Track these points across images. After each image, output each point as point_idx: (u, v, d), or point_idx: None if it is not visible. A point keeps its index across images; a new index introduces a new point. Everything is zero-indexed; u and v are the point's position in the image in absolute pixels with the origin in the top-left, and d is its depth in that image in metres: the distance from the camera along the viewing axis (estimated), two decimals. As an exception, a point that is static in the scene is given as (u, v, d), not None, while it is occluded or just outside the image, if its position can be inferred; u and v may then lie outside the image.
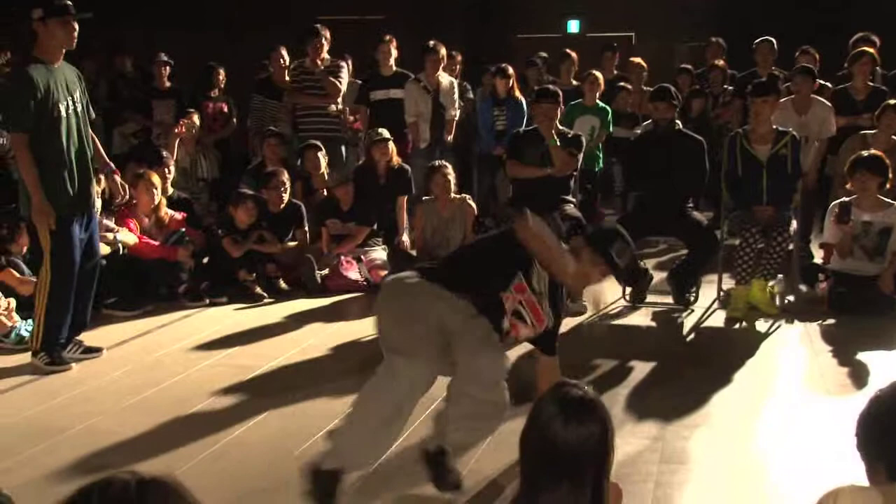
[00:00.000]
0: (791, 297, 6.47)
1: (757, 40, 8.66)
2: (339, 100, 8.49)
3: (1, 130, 7.37)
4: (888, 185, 6.31)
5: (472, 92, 9.71)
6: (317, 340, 5.74)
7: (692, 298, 6.48)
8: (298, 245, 7.38)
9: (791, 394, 4.74)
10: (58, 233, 4.97)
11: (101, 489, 1.43)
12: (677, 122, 6.70)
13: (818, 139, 7.38)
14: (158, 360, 5.37)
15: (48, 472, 3.73)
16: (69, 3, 4.93)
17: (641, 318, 6.28)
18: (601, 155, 9.12)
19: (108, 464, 3.67)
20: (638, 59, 10.16)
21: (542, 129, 6.56)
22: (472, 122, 9.15)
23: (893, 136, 6.89)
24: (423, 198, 7.41)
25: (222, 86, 9.18)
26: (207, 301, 6.69)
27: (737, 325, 6.04)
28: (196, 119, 8.41)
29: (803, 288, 6.63)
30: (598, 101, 8.96)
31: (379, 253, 7.38)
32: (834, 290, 6.27)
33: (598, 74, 9.06)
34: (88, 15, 4.98)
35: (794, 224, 6.30)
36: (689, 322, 6.17)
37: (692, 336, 5.94)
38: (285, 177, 7.35)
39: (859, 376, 4.96)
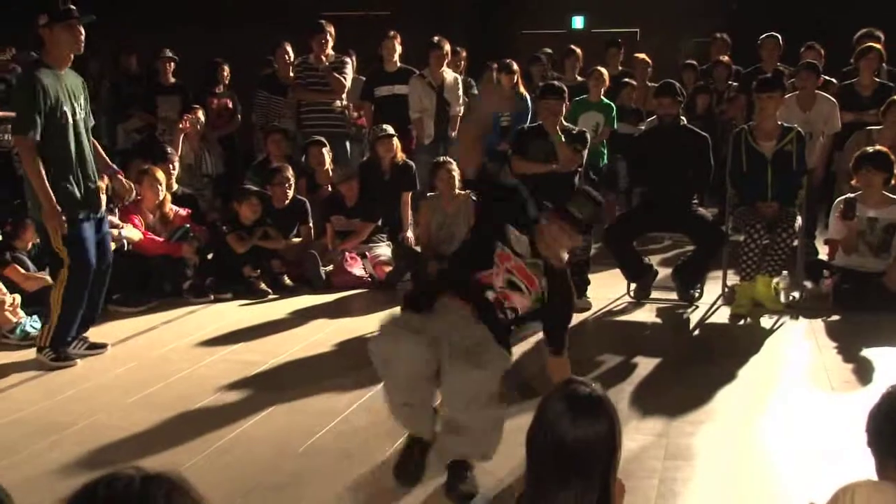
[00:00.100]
0: (796, 294, 6.46)
1: (762, 36, 8.64)
2: (344, 96, 8.49)
3: (6, 126, 7.40)
4: (893, 181, 6.30)
5: (476, 88, 9.69)
6: (321, 336, 5.74)
7: (697, 295, 6.47)
8: (303, 241, 7.38)
9: (795, 390, 4.73)
10: (71, 237, 4.98)
11: (106, 485, 1.43)
12: (682, 117, 6.69)
13: (823, 135, 7.37)
14: (163, 356, 5.38)
15: (53, 468, 3.74)
16: (73, 7, 4.94)
17: (646, 314, 6.28)
18: (605, 151, 9.12)
19: (113, 460, 3.68)
20: (642, 55, 10.15)
21: (547, 125, 6.55)
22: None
23: (899, 132, 6.88)
24: (428, 194, 7.42)
25: (227, 82, 9.18)
26: (212, 297, 6.70)
27: (741, 322, 6.03)
28: (201, 115, 8.42)
29: (808, 284, 6.62)
30: (602, 97, 8.95)
31: (383, 249, 7.38)
32: (839, 286, 6.26)
33: (603, 71, 9.05)
34: (92, 17, 4.99)
35: (798, 220, 6.29)
36: (693, 318, 6.17)
37: (697, 332, 5.94)
38: (290, 173, 7.36)
39: (864, 372, 4.95)
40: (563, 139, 6.51)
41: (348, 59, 8.54)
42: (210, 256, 7.10)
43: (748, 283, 6.18)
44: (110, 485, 1.43)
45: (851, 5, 10.50)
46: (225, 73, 9.13)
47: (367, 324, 5.97)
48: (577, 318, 6.05)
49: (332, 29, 8.34)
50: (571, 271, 6.27)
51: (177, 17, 12.51)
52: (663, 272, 6.74)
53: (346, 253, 7.21)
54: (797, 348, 5.48)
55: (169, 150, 7.56)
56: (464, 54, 9.65)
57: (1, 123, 7.53)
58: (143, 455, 3.79)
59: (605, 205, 8.99)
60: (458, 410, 3.34)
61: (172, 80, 9.17)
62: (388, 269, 7.12)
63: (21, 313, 5.68)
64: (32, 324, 5.59)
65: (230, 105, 9.14)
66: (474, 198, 3.82)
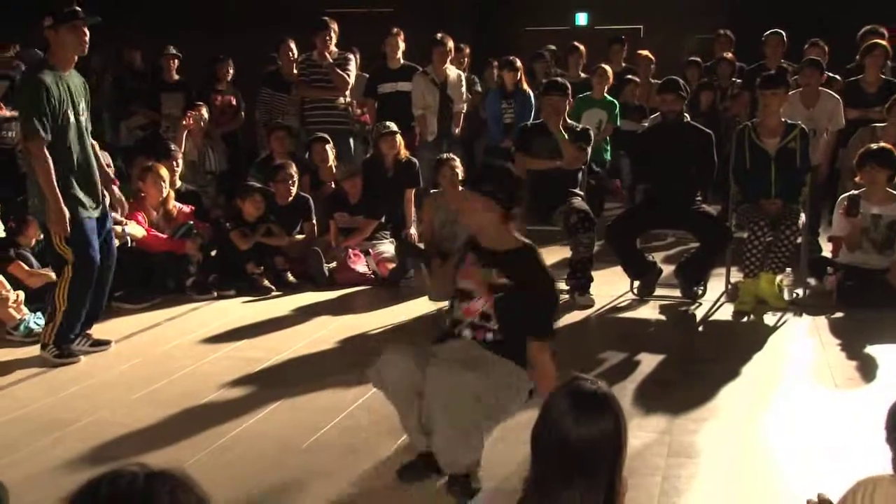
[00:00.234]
0: (799, 291, 6.46)
1: (766, 33, 8.62)
2: (347, 93, 8.49)
3: (10, 124, 7.40)
4: (897, 178, 6.29)
5: (478, 85, 9.70)
6: (325, 333, 5.74)
7: (700, 292, 6.47)
8: (306, 238, 7.38)
9: (799, 387, 4.73)
10: (75, 236, 4.99)
11: (110, 482, 1.44)
12: (685, 114, 6.68)
13: (827, 132, 7.36)
14: (166, 352, 5.39)
15: (56, 465, 3.74)
16: (78, 8, 4.94)
17: (649, 311, 6.27)
18: (609, 148, 9.13)
19: (116, 456, 3.68)
20: (645, 52, 10.14)
21: (550, 124, 6.54)
22: (480, 115, 9.15)
23: (903, 129, 6.86)
24: (431, 190, 7.41)
25: (230, 79, 9.19)
26: (215, 294, 6.71)
27: (745, 319, 6.02)
28: (204, 112, 8.43)
29: (811, 281, 6.61)
30: (605, 94, 8.94)
31: (387, 246, 7.38)
32: (842, 283, 6.25)
33: (607, 68, 9.05)
34: (97, 19, 4.99)
35: (802, 217, 6.28)
36: (697, 315, 6.16)
37: (700, 329, 5.93)
38: (293, 169, 7.36)
39: (867, 369, 4.95)
40: (567, 137, 6.50)
41: (351, 56, 8.54)
42: (213, 253, 7.10)
43: (752, 281, 6.17)
44: (114, 482, 1.43)
45: (854, 2, 10.49)
46: (228, 70, 9.13)
47: (371, 321, 5.99)
48: (580, 315, 6.08)
49: (335, 26, 8.33)
50: (574, 269, 6.35)
51: (181, 16, 12.51)
52: (667, 269, 6.74)
53: (350, 250, 7.21)
54: (800, 345, 5.48)
55: (172, 146, 7.56)
56: (467, 51, 9.65)
57: (4, 122, 7.54)
58: (147, 452, 3.80)
59: (612, 187, 9.05)
60: (432, 410, 3.32)
61: (176, 76, 9.18)
62: (392, 265, 7.12)
63: (25, 310, 5.69)
64: (36, 320, 5.60)
65: (234, 102, 9.15)
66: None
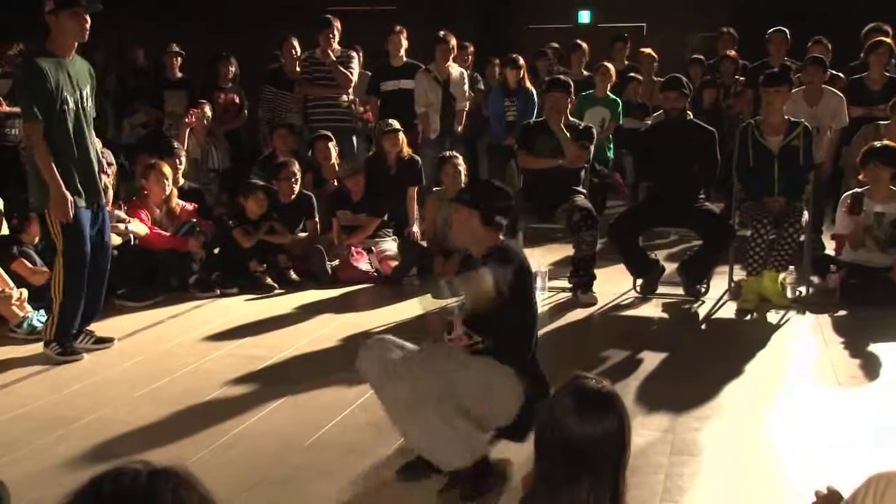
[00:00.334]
0: (802, 289, 6.45)
1: (770, 30, 8.61)
2: (350, 90, 8.49)
3: (13, 122, 7.40)
4: (901, 176, 6.28)
5: (481, 83, 9.69)
6: (327, 331, 5.75)
7: (703, 290, 6.46)
8: (309, 236, 7.39)
9: (802, 385, 4.72)
10: (68, 226, 4.98)
11: (112, 479, 1.43)
12: (688, 112, 6.67)
13: (830, 130, 7.35)
14: (169, 350, 5.39)
15: (59, 462, 3.75)
16: None
17: (652, 309, 6.27)
18: (612, 146, 9.12)
19: (119, 453, 3.68)
20: (648, 50, 10.13)
21: (551, 121, 6.53)
22: (483, 113, 9.15)
23: (907, 127, 6.85)
24: (434, 188, 7.41)
25: (234, 76, 9.19)
26: (218, 292, 6.71)
27: (748, 317, 6.02)
28: (207, 110, 8.43)
29: (815, 279, 6.61)
30: (608, 92, 8.93)
31: (389, 244, 7.38)
32: (845, 281, 6.24)
33: (610, 66, 9.04)
34: (99, 7, 4.98)
35: (805, 215, 6.27)
36: (700, 313, 6.16)
37: (703, 327, 5.93)
38: (296, 167, 7.36)
39: (870, 367, 4.94)
40: (569, 135, 6.50)
41: (354, 54, 8.53)
42: (216, 251, 7.10)
43: (755, 279, 6.17)
44: (116, 479, 1.43)
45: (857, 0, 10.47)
46: (231, 68, 9.13)
47: (373, 318, 5.99)
48: (583, 313, 6.08)
49: (338, 23, 8.33)
50: (577, 267, 6.35)
51: (184, 13, 12.52)
52: (669, 267, 6.73)
53: (352, 248, 7.21)
54: (803, 343, 5.47)
55: (176, 144, 7.57)
56: (471, 49, 9.65)
57: (7, 119, 7.55)
58: (150, 449, 3.80)
59: (614, 183, 9.06)
60: (396, 410, 3.43)
61: (179, 74, 9.18)
62: (394, 263, 7.12)
63: (28, 308, 5.70)
64: (39, 318, 5.60)
65: (237, 100, 9.15)
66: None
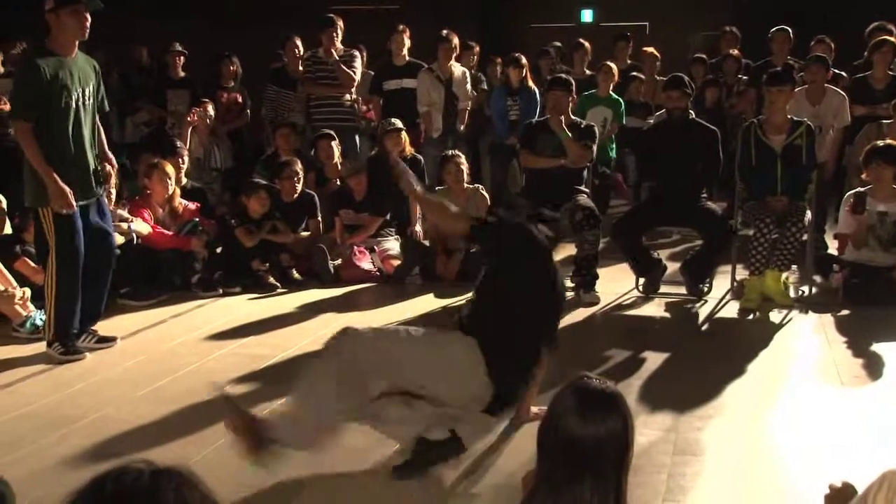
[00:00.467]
0: (805, 288, 6.44)
1: (773, 29, 8.60)
2: (353, 89, 8.49)
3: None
4: (904, 175, 6.26)
5: (485, 83, 9.69)
6: (330, 330, 5.65)
7: (706, 289, 6.46)
8: (311, 235, 7.39)
9: (805, 385, 4.72)
10: (59, 222, 4.98)
11: (115, 478, 1.43)
12: (690, 111, 6.67)
13: (833, 129, 7.34)
14: (172, 349, 5.39)
15: (62, 461, 3.75)
16: None
17: (655, 308, 6.26)
18: (614, 146, 9.11)
19: (122, 453, 3.68)
20: (651, 49, 10.13)
21: (552, 120, 6.53)
22: (485, 113, 9.15)
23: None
24: (436, 188, 7.41)
25: (236, 76, 9.19)
26: (221, 291, 6.71)
27: (750, 316, 6.01)
28: (210, 109, 8.43)
29: (817, 278, 6.60)
30: (611, 92, 8.93)
31: (392, 243, 7.38)
32: (848, 280, 6.24)
33: (612, 66, 9.04)
34: (99, 5, 4.98)
35: (808, 214, 6.26)
36: (702, 313, 6.15)
37: (705, 327, 5.92)
38: (299, 167, 7.36)
39: (873, 367, 4.93)
40: (571, 134, 6.50)
41: (357, 53, 8.54)
42: (219, 250, 7.11)
43: (757, 278, 6.16)
44: (119, 479, 1.43)
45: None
46: (233, 67, 9.13)
47: (376, 318, 5.98)
48: (585, 313, 6.08)
49: (341, 23, 8.33)
50: (579, 266, 6.35)
51: (186, 11, 12.52)
52: (672, 266, 6.73)
53: (355, 247, 7.21)
54: (806, 343, 5.47)
55: (178, 143, 7.57)
56: (477, 49, 9.64)
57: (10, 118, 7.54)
58: (152, 448, 3.80)
59: (616, 182, 9.08)
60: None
61: (182, 73, 9.18)
62: (397, 263, 7.12)
63: (31, 307, 5.70)
64: (42, 317, 5.59)
65: (240, 99, 9.15)
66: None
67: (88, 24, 4.95)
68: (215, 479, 1.78)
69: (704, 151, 6.34)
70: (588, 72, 9.43)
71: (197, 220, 6.98)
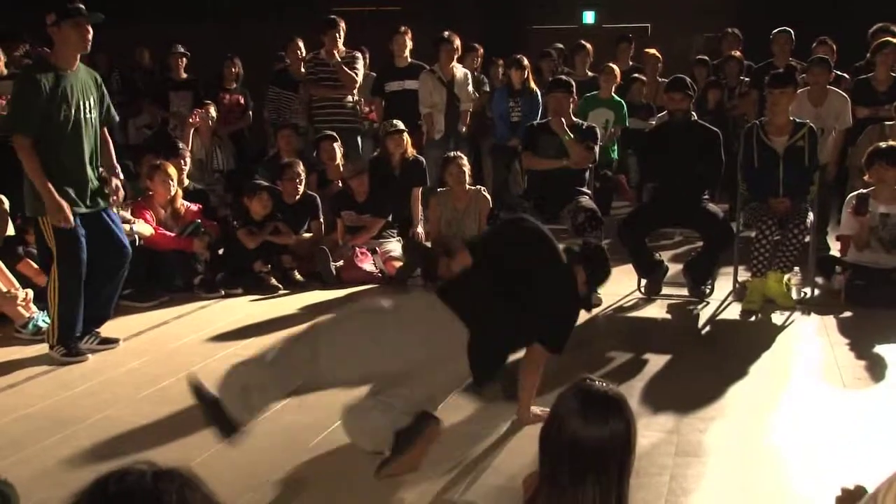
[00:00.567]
0: (807, 290, 6.44)
1: (774, 31, 8.60)
2: (355, 91, 8.50)
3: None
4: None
5: (487, 85, 9.69)
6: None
7: (708, 291, 6.46)
8: (313, 236, 7.39)
9: (807, 386, 4.72)
10: (61, 233, 4.98)
11: (118, 480, 1.44)
12: (692, 113, 6.67)
13: (835, 131, 7.34)
14: (174, 350, 5.40)
15: (64, 463, 3.75)
16: (81, 5, 4.94)
17: (656, 310, 6.26)
18: (615, 148, 9.11)
19: (124, 454, 3.69)
20: (652, 50, 10.12)
21: (554, 122, 6.54)
22: (487, 115, 9.15)
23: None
24: (438, 189, 7.41)
25: (238, 77, 9.20)
26: (223, 292, 6.72)
27: (753, 318, 6.01)
28: (212, 110, 8.44)
29: (820, 280, 6.60)
30: (613, 94, 8.92)
31: (394, 244, 7.38)
32: (851, 282, 6.23)
33: (615, 68, 9.03)
34: (101, 17, 4.99)
35: (810, 216, 6.26)
36: (704, 314, 6.14)
37: (707, 329, 5.92)
38: (301, 168, 7.37)
39: (876, 369, 4.93)
40: (572, 136, 6.50)
41: (359, 55, 8.54)
42: (221, 252, 7.11)
43: (759, 279, 6.16)
44: (121, 480, 1.44)
45: (862, 0, 10.46)
46: (235, 69, 9.14)
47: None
48: (587, 314, 6.05)
49: (343, 24, 8.34)
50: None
51: (189, 13, 12.54)
52: (674, 268, 6.72)
53: (357, 248, 7.21)
54: (809, 345, 5.46)
55: (180, 145, 7.58)
56: (481, 52, 9.64)
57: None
58: (154, 450, 3.80)
59: (618, 183, 9.11)
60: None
61: (184, 75, 9.19)
62: (399, 264, 7.12)
63: (34, 308, 5.71)
64: (45, 319, 5.60)
65: (242, 101, 9.16)
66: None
67: (91, 36, 4.96)
68: (217, 480, 1.79)
69: (706, 153, 6.34)
70: (590, 73, 9.43)
71: (199, 221, 6.98)
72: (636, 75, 9.58)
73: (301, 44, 8.95)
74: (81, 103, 4.99)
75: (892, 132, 6.90)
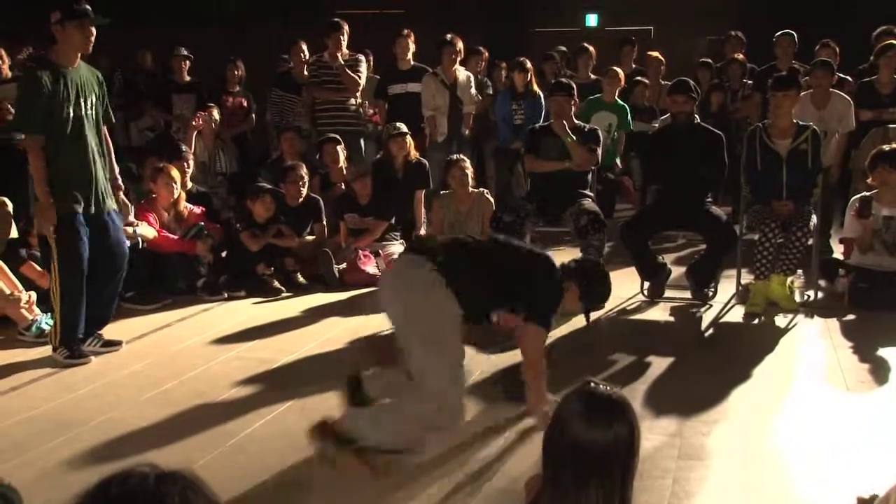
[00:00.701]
0: (811, 293, 6.43)
1: (777, 33, 8.60)
2: (359, 94, 8.50)
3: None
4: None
5: (490, 88, 9.70)
6: (335, 334, 5.75)
7: (711, 293, 6.45)
8: (316, 239, 7.39)
9: (810, 389, 4.71)
10: (62, 230, 5.00)
11: (120, 482, 1.44)
12: (695, 115, 6.66)
13: (837, 134, 7.33)
14: (177, 353, 5.40)
15: (67, 465, 3.76)
16: (87, 7, 4.96)
17: (659, 313, 6.26)
18: (618, 150, 9.11)
19: (127, 456, 3.69)
20: (655, 53, 10.12)
21: (556, 125, 6.54)
22: (491, 117, 9.15)
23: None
24: (441, 192, 7.41)
25: (241, 80, 9.21)
26: (226, 295, 6.72)
27: (756, 321, 6.00)
28: (215, 113, 8.45)
29: (823, 283, 6.59)
30: (616, 98, 8.92)
31: (396, 247, 7.38)
32: (854, 285, 6.23)
33: (619, 71, 9.02)
34: (106, 20, 5.00)
35: (814, 219, 6.25)
36: (707, 317, 6.14)
37: (711, 331, 5.91)
38: (304, 171, 7.37)
39: (879, 372, 4.92)
40: (574, 138, 6.50)
41: (362, 57, 8.55)
42: (224, 254, 7.11)
43: (763, 282, 6.15)
44: (124, 482, 1.44)
45: (866, 2, 10.45)
46: (238, 71, 9.15)
47: (381, 322, 5.97)
48: (590, 316, 6.05)
49: (347, 27, 8.35)
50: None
51: (194, 17, 12.56)
52: (677, 271, 6.72)
53: (360, 251, 7.21)
54: (812, 348, 5.45)
55: (183, 148, 7.59)
56: (485, 55, 9.64)
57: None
58: (157, 452, 3.80)
59: (622, 186, 9.14)
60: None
61: (188, 78, 9.20)
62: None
63: (37, 310, 5.71)
64: (48, 321, 5.61)
65: (245, 104, 9.17)
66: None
67: (93, 38, 4.98)
68: (220, 483, 1.79)
69: (709, 156, 6.34)
70: (593, 76, 9.43)
71: (202, 224, 6.99)
72: (639, 78, 9.58)
73: (304, 47, 8.96)
74: (83, 100, 5.01)
75: (895, 135, 6.89)
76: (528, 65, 8.68)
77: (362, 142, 8.68)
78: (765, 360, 5.17)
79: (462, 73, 8.49)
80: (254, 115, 9.29)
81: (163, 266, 6.69)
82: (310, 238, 7.39)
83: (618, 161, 9.13)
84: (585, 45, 9.78)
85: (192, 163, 7.59)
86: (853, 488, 2.32)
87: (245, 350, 5.44)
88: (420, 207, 7.74)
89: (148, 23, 12.27)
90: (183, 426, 4.19)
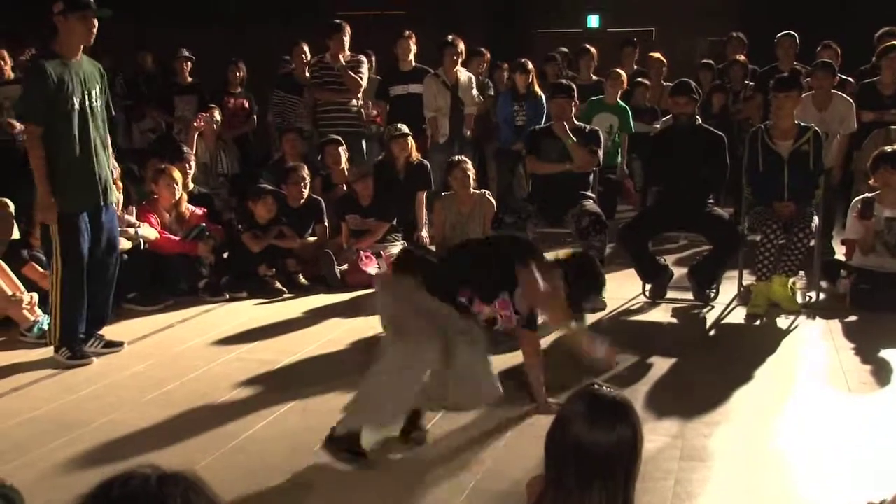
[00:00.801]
0: (812, 294, 6.43)
1: (779, 34, 8.59)
2: (360, 95, 8.51)
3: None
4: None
5: (492, 89, 9.69)
6: (336, 335, 5.75)
7: (712, 295, 6.44)
8: (318, 240, 7.39)
9: (812, 391, 4.71)
10: (64, 227, 5.01)
11: (122, 483, 1.44)
12: (697, 116, 6.66)
13: (839, 135, 7.32)
14: (179, 354, 5.40)
15: (68, 466, 3.76)
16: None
17: (661, 314, 6.25)
18: (618, 152, 9.10)
19: (129, 457, 3.69)
20: (657, 54, 10.12)
21: (557, 126, 6.54)
22: (492, 119, 9.15)
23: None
24: (443, 193, 7.41)
25: (243, 81, 9.21)
26: (227, 296, 6.72)
27: (757, 322, 6.00)
28: (217, 114, 8.45)
29: (825, 284, 6.58)
30: (618, 99, 8.91)
31: (398, 248, 7.37)
32: (856, 286, 6.22)
33: (621, 72, 9.01)
34: (109, 13, 5.01)
35: (815, 220, 6.25)
36: (709, 319, 6.14)
37: (712, 333, 5.91)
38: (305, 172, 7.37)
39: (881, 373, 4.92)
40: (575, 139, 6.49)
41: (364, 58, 8.55)
42: (225, 255, 7.11)
43: (764, 284, 6.15)
44: (126, 483, 1.44)
45: (867, 4, 10.45)
46: (240, 73, 9.15)
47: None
48: (591, 318, 6.05)
49: (348, 28, 8.35)
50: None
51: (195, 18, 12.56)
52: (679, 272, 6.71)
53: (361, 252, 7.21)
54: (814, 349, 5.45)
55: (185, 149, 7.59)
56: (488, 56, 9.64)
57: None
58: (159, 453, 3.81)
59: (624, 187, 9.15)
60: None
61: (189, 79, 9.21)
62: (403, 268, 7.11)
63: (38, 312, 5.71)
64: (50, 322, 5.61)
65: (246, 105, 9.17)
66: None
67: (95, 30, 4.98)
68: (221, 484, 1.79)
69: (711, 157, 6.33)
70: (594, 77, 9.42)
71: (204, 225, 6.99)
72: (640, 79, 9.57)
73: (306, 48, 8.97)
74: (86, 93, 5.02)
75: (897, 136, 6.89)
76: (530, 66, 8.68)
77: (364, 143, 8.68)
78: (766, 361, 5.16)
79: (463, 75, 8.49)
80: (255, 117, 9.29)
81: (164, 267, 6.69)
82: (311, 239, 7.39)
83: (624, 165, 9.11)
84: (587, 46, 9.78)
85: (193, 164, 7.59)
86: (855, 490, 2.31)
87: (246, 351, 5.44)
88: (421, 209, 7.75)
89: (150, 24, 12.29)
90: (184, 427, 4.19)
